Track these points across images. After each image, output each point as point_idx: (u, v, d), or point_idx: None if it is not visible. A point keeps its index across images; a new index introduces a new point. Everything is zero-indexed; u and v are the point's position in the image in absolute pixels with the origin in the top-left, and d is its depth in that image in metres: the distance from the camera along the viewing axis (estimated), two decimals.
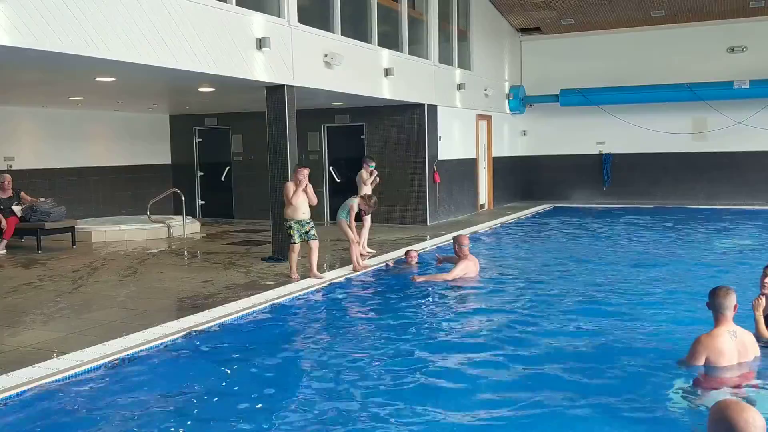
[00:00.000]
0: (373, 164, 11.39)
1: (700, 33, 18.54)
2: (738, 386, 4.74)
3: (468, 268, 8.81)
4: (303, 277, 8.91)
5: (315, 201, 9.04)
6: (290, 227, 8.91)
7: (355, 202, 9.78)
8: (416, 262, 9.92)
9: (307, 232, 8.97)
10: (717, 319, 4.88)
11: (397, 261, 10.26)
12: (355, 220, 9.93)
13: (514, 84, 20.06)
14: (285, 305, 7.59)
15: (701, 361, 4.84)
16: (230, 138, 16.85)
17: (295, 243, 8.94)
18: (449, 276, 8.68)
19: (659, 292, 8.02)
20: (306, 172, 8.93)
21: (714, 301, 4.86)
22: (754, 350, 4.96)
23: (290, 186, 8.88)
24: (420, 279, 8.82)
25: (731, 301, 4.82)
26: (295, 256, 9.00)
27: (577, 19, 18.65)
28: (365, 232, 10.99)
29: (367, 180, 11.10)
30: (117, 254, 11.41)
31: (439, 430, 4.35)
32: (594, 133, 19.66)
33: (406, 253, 10.15)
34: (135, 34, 7.69)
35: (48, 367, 5.29)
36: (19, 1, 6.40)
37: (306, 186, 8.88)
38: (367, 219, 11.00)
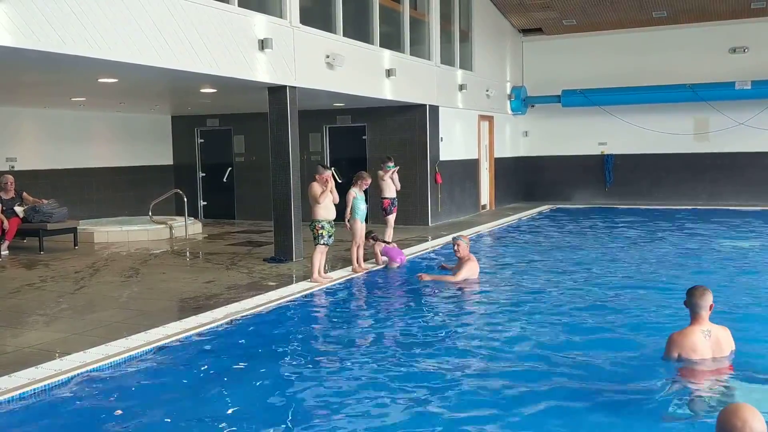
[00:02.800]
0: (391, 165, 11.16)
1: (701, 34, 18.52)
2: (711, 379, 4.94)
3: (471, 269, 8.79)
4: (298, 279, 8.90)
5: (337, 199, 8.93)
6: (323, 227, 8.69)
7: (351, 191, 9.60)
8: (379, 251, 9.86)
9: (331, 236, 8.83)
10: (692, 317, 5.09)
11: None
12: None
13: (516, 85, 20.04)
14: (287, 306, 7.59)
15: (674, 356, 5.09)
16: (232, 139, 16.86)
17: (326, 245, 8.77)
18: (455, 279, 8.63)
19: (663, 291, 8.01)
20: (329, 173, 8.85)
21: (690, 300, 5.05)
22: (729, 346, 5.15)
23: (317, 186, 8.69)
24: (427, 278, 8.75)
25: (707, 301, 4.99)
26: (321, 258, 8.80)
27: (579, 19, 18.64)
28: (388, 231, 10.91)
29: (381, 181, 11.06)
30: (119, 255, 11.42)
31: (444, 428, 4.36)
32: (596, 133, 19.64)
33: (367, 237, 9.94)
34: (137, 35, 7.70)
35: (50, 368, 5.29)
36: (22, 2, 6.41)
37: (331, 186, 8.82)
38: (389, 219, 10.96)
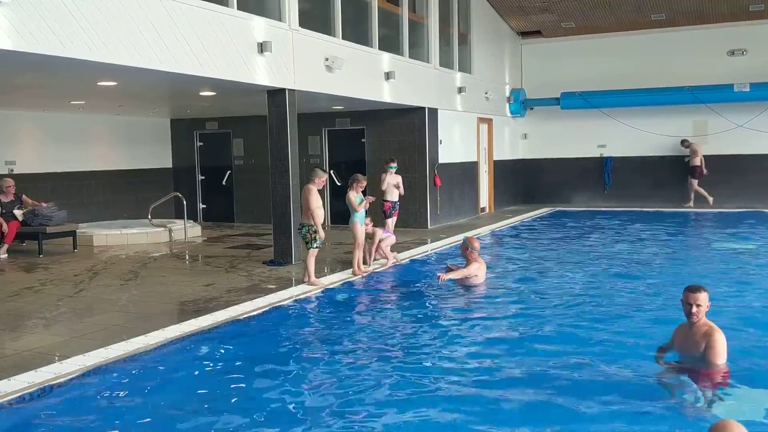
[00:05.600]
0: (393, 166, 11.04)
1: (700, 36, 18.55)
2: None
3: (480, 270, 8.67)
4: (297, 282, 8.89)
5: None
6: (315, 231, 8.64)
7: (349, 194, 9.53)
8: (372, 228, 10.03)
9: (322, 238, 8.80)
10: (704, 314, 5.10)
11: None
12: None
13: (515, 87, 20.07)
14: (286, 309, 7.58)
15: None
16: (231, 142, 16.87)
17: (319, 248, 8.72)
18: (468, 272, 8.52)
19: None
20: (326, 177, 8.87)
21: (705, 297, 5.07)
22: None
23: (313, 189, 8.67)
24: (445, 277, 8.51)
25: None
26: (314, 261, 8.78)
27: (578, 22, 18.66)
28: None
29: (382, 183, 11.02)
30: (118, 258, 11.42)
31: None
32: (595, 136, 19.66)
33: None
34: (137, 38, 7.70)
35: (50, 371, 5.29)
36: (21, 5, 6.42)
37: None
38: (387, 222, 10.89)
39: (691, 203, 18.29)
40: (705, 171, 18.08)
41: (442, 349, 6.11)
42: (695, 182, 18.22)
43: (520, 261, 10.87)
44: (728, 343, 5.06)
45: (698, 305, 4.99)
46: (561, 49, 19.97)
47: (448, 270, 9.28)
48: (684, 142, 18.38)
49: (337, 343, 6.37)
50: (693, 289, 5.07)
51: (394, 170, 11.10)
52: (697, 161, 18.09)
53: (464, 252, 8.82)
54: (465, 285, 8.62)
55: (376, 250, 10.09)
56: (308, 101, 12.02)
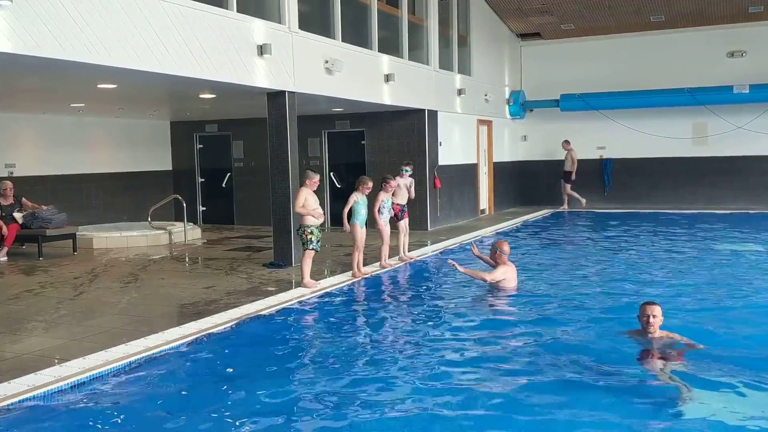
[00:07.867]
0: (408, 169, 10.91)
1: (699, 38, 18.57)
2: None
3: (507, 274, 8.46)
4: (297, 284, 8.88)
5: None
6: (312, 232, 8.62)
7: (353, 195, 9.45)
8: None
9: (319, 241, 8.77)
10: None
11: None
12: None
13: (515, 89, 20.07)
14: (285, 311, 7.58)
15: None
16: (231, 144, 16.87)
17: (316, 250, 8.70)
18: (489, 277, 8.33)
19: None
20: (317, 177, 8.85)
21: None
22: None
23: (303, 191, 8.66)
24: (461, 269, 8.40)
25: None
26: (310, 263, 8.76)
27: (577, 24, 18.68)
28: (402, 237, 10.70)
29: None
30: (118, 261, 11.41)
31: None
32: (594, 138, 19.66)
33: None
34: (136, 40, 7.71)
35: (49, 374, 5.28)
36: (21, 8, 6.42)
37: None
38: (401, 225, 10.78)
39: (566, 206, 19.11)
40: (575, 177, 18.86)
41: (445, 352, 6.10)
42: (568, 186, 18.99)
43: (521, 262, 10.84)
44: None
45: (654, 316, 5.67)
46: (560, 51, 19.98)
47: (478, 257, 9.20)
48: (567, 144, 18.96)
49: (337, 345, 6.36)
50: (648, 303, 5.80)
51: (407, 173, 10.97)
52: (569, 166, 18.84)
53: (493, 255, 8.64)
54: (494, 288, 8.42)
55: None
56: (308, 103, 12.02)
